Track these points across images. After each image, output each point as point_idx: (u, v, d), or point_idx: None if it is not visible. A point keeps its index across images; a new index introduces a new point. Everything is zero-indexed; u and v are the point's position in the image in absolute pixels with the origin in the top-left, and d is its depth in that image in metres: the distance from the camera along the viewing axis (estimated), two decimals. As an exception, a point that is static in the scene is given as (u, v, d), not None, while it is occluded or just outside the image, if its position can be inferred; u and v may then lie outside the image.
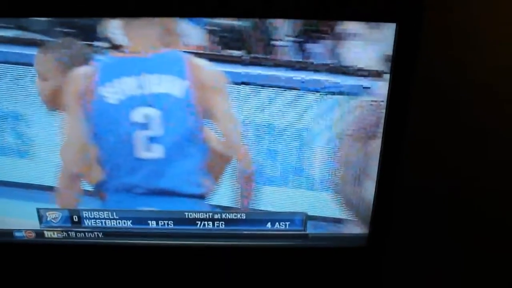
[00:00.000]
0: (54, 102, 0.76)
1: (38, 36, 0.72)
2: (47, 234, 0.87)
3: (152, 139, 0.78)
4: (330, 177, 0.82)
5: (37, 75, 0.74)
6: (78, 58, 0.73)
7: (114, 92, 0.76)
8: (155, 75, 0.75)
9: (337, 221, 0.86)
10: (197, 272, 0.90)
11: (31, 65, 0.73)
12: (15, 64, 0.74)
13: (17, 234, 0.87)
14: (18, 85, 0.75)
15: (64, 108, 0.77)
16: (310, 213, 0.85)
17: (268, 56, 0.73)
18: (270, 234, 0.87)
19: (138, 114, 0.77)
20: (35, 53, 0.72)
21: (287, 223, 0.86)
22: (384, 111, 0.77)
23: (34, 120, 0.77)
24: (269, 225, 0.86)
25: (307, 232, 0.87)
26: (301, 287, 0.92)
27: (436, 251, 0.95)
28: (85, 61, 0.73)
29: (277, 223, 0.86)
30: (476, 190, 0.90)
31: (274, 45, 0.73)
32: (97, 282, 0.90)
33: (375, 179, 0.82)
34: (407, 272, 0.95)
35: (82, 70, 0.74)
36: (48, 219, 0.85)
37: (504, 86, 0.83)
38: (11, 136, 0.79)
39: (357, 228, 0.87)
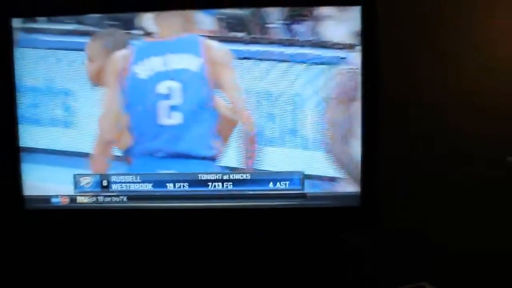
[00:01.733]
0: (97, 79, 0.99)
1: (90, 28, 0.98)
2: (79, 199, 1.01)
3: (173, 108, 0.98)
4: (321, 137, 0.98)
5: (86, 58, 0.98)
6: (119, 43, 0.97)
7: (144, 69, 0.97)
8: (177, 55, 0.97)
9: (332, 179, 0.99)
10: (208, 232, 1.00)
11: (82, 50, 0.98)
12: (71, 50, 0.98)
13: (53, 200, 1.01)
14: (71, 67, 0.99)
15: (104, 84, 0.99)
16: (306, 172, 0.99)
17: (264, 36, 0.96)
18: (272, 194, 1.00)
19: (163, 87, 0.97)
20: (87, 41, 0.97)
21: (287, 182, 0.99)
22: (360, 76, 0.96)
23: (80, 95, 0.99)
24: (271, 184, 0.99)
25: (305, 191, 0.99)
26: (302, 248, 1.00)
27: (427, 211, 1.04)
28: (124, 45, 0.97)
29: (278, 182, 0.99)
30: (456, 135, 1.05)
31: (268, 27, 0.96)
32: (121, 245, 1.00)
33: (360, 138, 0.97)
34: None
35: (121, 52, 0.98)
36: (82, 184, 1.01)
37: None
38: (61, 109, 1.00)
39: (350, 186, 0.99)
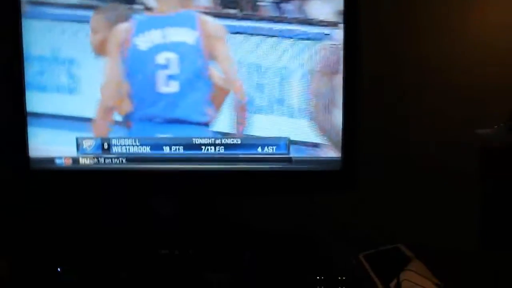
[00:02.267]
0: (100, 49, 1.07)
1: (94, 2, 1.06)
2: (82, 160, 1.09)
3: (170, 77, 1.06)
4: (305, 106, 1.08)
5: (90, 30, 1.06)
6: (121, 17, 1.06)
7: (144, 41, 1.06)
8: (175, 28, 1.06)
9: (315, 145, 1.09)
10: (201, 192, 1.09)
11: (87, 22, 1.06)
12: (76, 22, 1.06)
13: (57, 161, 1.10)
14: (77, 37, 1.07)
15: (107, 54, 1.07)
16: (292, 138, 1.09)
17: (255, 13, 1.06)
18: (261, 157, 1.10)
19: (161, 57, 1.06)
20: (91, 14, 1.05)
21: (274, 147, 1.09)
22: (342, 51, 1.05)
23: (84, 64, 1.07)
24: (259, 149, 1.09)
25: (291, 155, 1.09)
26: (288, 209, 1.09)
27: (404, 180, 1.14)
28: (126, 19, 1.06)
29: (266, 147, 1.09)
30: (431, 115, 1.14)
31: (259, 5, 1.06)
32: (120, 204, 1.08)
33: (341, 108, 1.06)
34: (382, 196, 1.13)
35: (123, 25, 1.07)
36: (84, 146, 1.09)
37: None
38: (65, 77, 1.07)
39: (331, 152, 1.09)
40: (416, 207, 1.20)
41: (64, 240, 1.11)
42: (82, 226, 1.12)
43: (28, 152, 1.10)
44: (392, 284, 1.02)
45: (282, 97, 1.08)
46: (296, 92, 1.08)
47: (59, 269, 1.02)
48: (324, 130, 1.10)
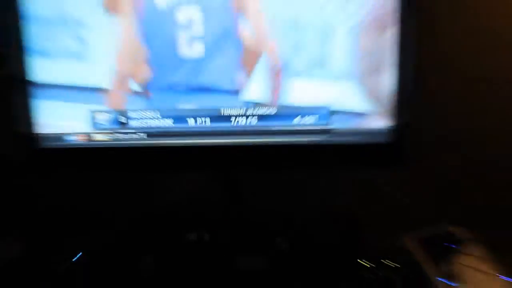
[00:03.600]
0: (113, 8, 0.93)
1: (103, -49, 0.91)
2: (96, 136, 0.98)
3: (194, 38, 0.92)
4: (351, 69, 0.93)
5: (100, -15, 0.92)
6: (134, -33, 0.91)
7: (162, -4, 0.91)
8: (197, -21, 0.91)
9: (360, 114, 0.95)
10: (231, 170, 0.98)
11: (95, -25, 0.91)
12: (83, -25, 0.92)
13: (69, 137, 0.98)
14: (84, -6, 0.92)
15: (120, 12, 0.93)
16: (334, 107, 0.95)
17: (291, -42, 0.90)
18: (298, 130, 0.96)
19: (183, 15, 0.92)
20: (100, -35, 0.91)
21: (314, 117, 0.95)
22: (395, 1, 0.90)
23: (94, 25, 0.94)
24: (296, 120, 0.96)
25: (333, 126, 0.96)
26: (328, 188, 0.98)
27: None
28: (140, -30, 0.91)
29: (304, 117, 0.96)
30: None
31: (295, -51, 0.89)
32: (139, 183, 0.98)
33: (394, 70, 0.93)
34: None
35: (137, -22, 0.91)
36: (98, 121, 0.97)
37: None
38: (73, 40, 0.94)
39: (379, 122, 0.95)
40: (469, 186, 1.09)
41: (81, 222, 1.02)
42: (99, 208, 1.02)
43: (35, 129, 0.98)
44: (445, 268, 0.93)
45: (324, 59, 0.94)
46: (340, 52, 0.93)
47: (79, 254, 0.94)
48: (372, 96, 0.95)
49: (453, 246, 0.99)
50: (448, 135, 1.07)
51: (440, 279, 0.89)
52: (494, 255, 0.94)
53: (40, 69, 0.96)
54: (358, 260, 0.96)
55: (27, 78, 0.95)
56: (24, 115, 0.96)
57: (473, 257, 0.94)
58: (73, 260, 0.94)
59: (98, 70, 0.96)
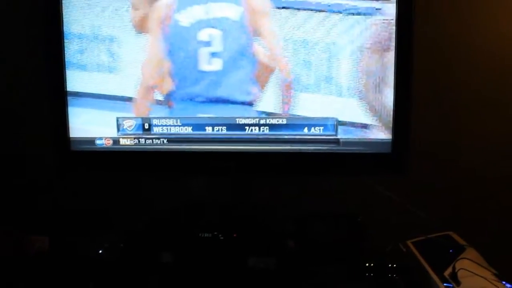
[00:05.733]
0: (141, 26, 1.06)
1: (136, -23, 1.04)
2: (122, 141, 1.08)
3: (213, 54, 1.04)
4: (355, 85, 1.04)
5: (131, 6, 1.04)
6: (162, -8, 1.03)
7: (186, 17, 1.05)
8: (218, 3, 1.04)
9: (364, 126, 1.06)
10: (244, 174, 1.07)
11: (128, -2, 1.04)
12: (117, -2, 1.05)
13: (98, 141, 1.09)
14: (116, 14, 1.06)
15: (148, 31, 1.06)
16: (340, 118, 1.05)
17: (302, -14, 1.02)
18: (307, 139, 1.07)
19: (204, 34, 1.05)
20: (132, -11, 1.04)
21: (321, 127, 1.06)
22: (394, 27, 1.01)
23: (124, 42, 1.07)
24: (305, 129, 1.06)
25: (339, 137, 1.05)
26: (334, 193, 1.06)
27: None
28: (168, -6, 1.03)
29: (312, 127, 1.06)
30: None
31: (306, -22, 1.01)
32: (160, 185, 1.07)
33: (393, 87, 1.02)
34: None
35: (164, 1, 1.05)
36: (124, 127, 1.09)
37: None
38: (106, 55, 1.07)
39: (381, 134, 1.05)
40: (467, 194, 1.16)
41: (104, 220, 1.11)
42: (122, 208, 1.12)
43: (68, 133, 1.10)
44: (447, 272, 0.99)
45: (330, 75, 1.05)
46: (345, 70, 1.05)
47: (100, 251, 1.03)
48: (374, 110, 1.06)
49: (452, 250, 1.06)
50: (446, 145, 1.17)
51: (440, 282, 0.95)
52: (492, 259, 1.00)
53: (75, 80, 1.09)
54: (362, 262, 1.03)
55: (64, 88, 1.08)
56: (59, 121, 1.08)
57: (472, 261, 1.01)
58: (98, 254, 1.04)
59: (127, 81, 1.08)
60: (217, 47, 1.06)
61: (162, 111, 1.09)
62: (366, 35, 1.04)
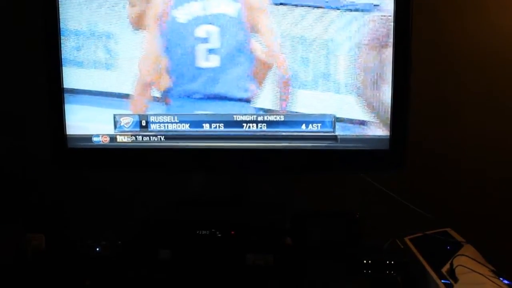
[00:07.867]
0: (138, 23, 1.07)
1: (132, -27, 1.04)
2: (119, 138, 1.09)
3: (211, 51, 1.05)
4: (352, 81, 1.05)
5: (128, 3, 1.05)
6: (160, -12, 1.04)
7: (184, 13, 1.05)
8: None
9: (362, 123, 1.06)
10: (242, 171, 1.08)
11: (124, -6, 1.05)
12: (113, -6, 1.05)
13: (95, 138, 1.09)
14: (113, 10, 1.06)
15: (145, 27, 1.06)
16: (338, 115, 1.06)
17: (300, -18, 1.02)
18: (304, 135, 1.08)
19: (201, 31, 1.05)
20: (129, -15, 1.04)
21: (319, 124, 1.07)
22: (392, 24, 1.02)
23: (122, 38, 1.07)
24: (303, 126, 1.07)
25: (336, 133, 1.06)
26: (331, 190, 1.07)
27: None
28: (165, -10, 1.04)
29: (310, 124, 1.07)
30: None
31: (304, -26, 1.02)
32: (157, 182, 1.08)
33: (391, 84, 1.03)
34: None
35: (161, -3, 1.04)
36: (122, 124, 1.09)
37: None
38: (103, 52, 1.07)
39: (379, 131, 1.06)
40: (465, 190, 1.17)
41: (100, 217, 1.12)
42: (119, 205, 1.12)
43: (65, 130, 1.10)
44: (445, 269, 1.00)
45: (328, 72, 1.06)
46: (343, 66, 1.05)
47: (98, 248, 1.04)
48: (372, 107, 1.07)
49: (450, 247, 1.07)
50: (444, 142, 1.19)
51: (438, 279, 0.96)
52: (490, 256, 1.01)
53: (72, 77, 1.09)
54: (360, 259, 1.04)
55: (61, 85, 1.09)
56: (56, 118, 1.08)
57: (469, 258, 1.02)
58: (95, 251, 1.04)
59: (124, 78, 1.09)
60: (214, 43, 1.06)
61: (159, 108, 1.10)
62: (364, 32, 1.05)
